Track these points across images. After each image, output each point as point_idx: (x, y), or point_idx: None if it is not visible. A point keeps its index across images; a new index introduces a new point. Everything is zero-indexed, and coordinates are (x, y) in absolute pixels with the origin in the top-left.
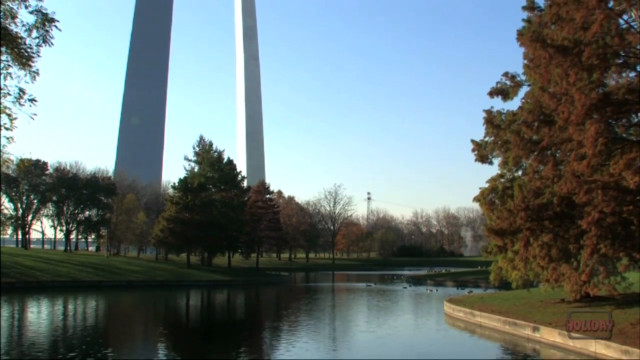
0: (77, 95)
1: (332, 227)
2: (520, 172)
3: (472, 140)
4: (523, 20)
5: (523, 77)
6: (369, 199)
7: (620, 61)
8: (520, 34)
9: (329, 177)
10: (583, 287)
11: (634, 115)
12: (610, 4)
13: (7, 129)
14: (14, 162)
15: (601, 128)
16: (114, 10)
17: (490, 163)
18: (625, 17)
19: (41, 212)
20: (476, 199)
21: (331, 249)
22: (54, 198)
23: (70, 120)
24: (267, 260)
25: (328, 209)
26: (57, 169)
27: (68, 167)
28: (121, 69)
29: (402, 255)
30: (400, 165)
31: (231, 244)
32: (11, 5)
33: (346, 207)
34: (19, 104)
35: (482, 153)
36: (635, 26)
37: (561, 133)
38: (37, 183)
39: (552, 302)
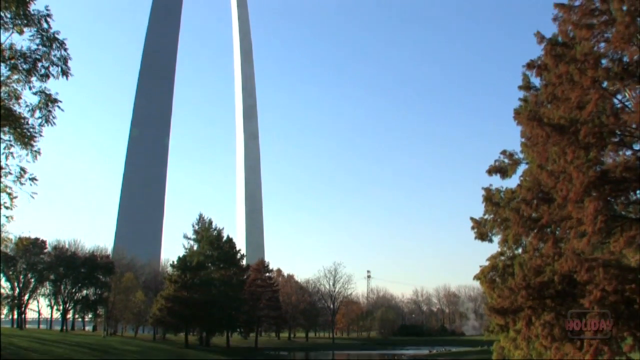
0: (76, 173)
1: (331, 306)
2: (520, 250)
3: (472, 218)
4: (520, 99)
5: (521, 155)
6: (368, 277)
7: (616, 139)
8: (517, 113)
9: (328, 254)
10: None
11: (632, 193)
12: (605, 84)
13: (7, 207)
14: (13, 241)
15: (600, 206)
16: (115, 88)
17: (490, 241)
18: (619, 96)
19: (38, 291)
20: (477, 277)
21: (331, 328)
22: (52, 277)
23: (69, 198)
24: (267, 340)
25: (327, 287)
26: (55, 248)
27: (67, 246)
28: (121, 147)
29: (403, 334)
30: (400, 243)
31: (230, 323)
32: (15, 87)
33: (346, 286)
34: (20, 182)
35: (482, 231)
36: (630, 105)
37: (560, 211)
38: (35, 262)
39: None
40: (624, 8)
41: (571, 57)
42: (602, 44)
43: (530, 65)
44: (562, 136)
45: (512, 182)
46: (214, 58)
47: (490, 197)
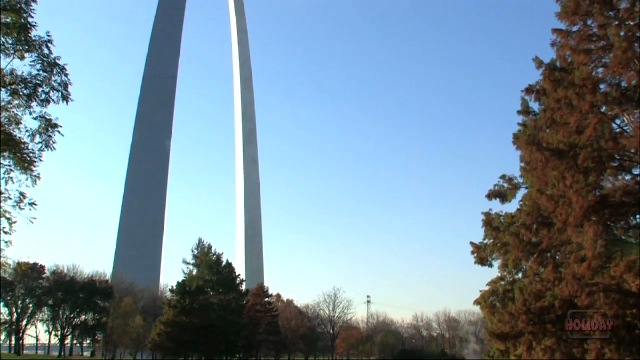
0: (76, 197)
1: (331, 331)
2: (520, 275)
3: (472, 243)
4: (519, 123)
5: (520, 179)
6: (368, 301)
7: (615, 164)
8: (517, 137)
9: (328, 279)
10: None
11: (632, 217)
12: (604, 108)
13: (5, 232)
14: (12, 266)
15: (600, 230)
16: (115, 113)
17: (490, 265)
18: (618, 121)
19: (36, 316)
20: (477, 302)
21: (331, 353)
22: (50, 301)
23: (69, 222)
24: None
25: (327, 312)
26: (54, 272)
27: (65, 270)
28: (121, 171)
29: (403, 359)
30: (400, 267)
31: (229, 348)
32: (16, 111)
33: (346, 310)
34: (19, 207)
35: (482, 255)
36: (629, 130)
37: (560, 235)
38: (34, 286)
39: None
40: (622, 33)
41: (570, 81)
42: (601, 69)
43: (529, 90)
44: (562, 160)
45: (512, 206)
46: (214, 84)
47: (490, 221)
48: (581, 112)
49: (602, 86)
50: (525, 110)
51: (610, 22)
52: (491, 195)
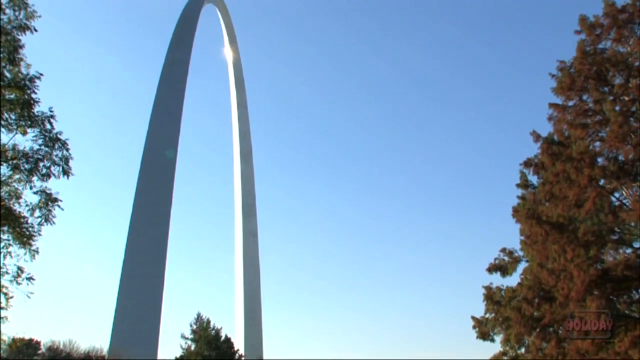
0: (73, 271)
1: None
2: (523, 350)
3: (473, 317)
4: (518, 197)
5: (521, 253)
6: None
7: (615, 237)
8: (516, 211)
9: (330, 353)
10: None
11: (634, 292)
12: (601, 182)
13: (1, 308)
14: (7, 342)
15: (602, 305)
16: (115, 186)
17: (492, 340)
18: (616, 194)
19: None
20: None
21: None
22: None
23: (66, 297)
24: None
25: None
26: (49, 348)
27: (61, 346)
28: (120, 246)
29: None
30: (401, 343)
31: None
32: (16, 186)
33: None
34: (17, 282)
35: (483, 330)
36: (628, 203)
37: (562, 310)
38: None
39: None
40: (617, 108)
41: (567, 155)
42: (597, 143)
43: (527, 164)
44: (561, 234)
45: (513, 280)
46: (214, 157)
47: (491, 296)
48: (579, 185)
49: (600, 160)
50: (524, 183)
51: (605, 97)
52: (491, 269)
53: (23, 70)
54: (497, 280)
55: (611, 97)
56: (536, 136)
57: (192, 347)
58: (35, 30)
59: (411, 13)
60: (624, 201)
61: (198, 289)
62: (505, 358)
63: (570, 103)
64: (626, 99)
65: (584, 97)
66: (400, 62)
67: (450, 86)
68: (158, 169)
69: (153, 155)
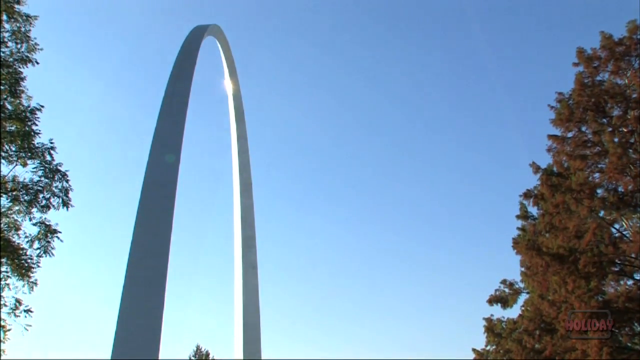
0: (71, 302)
1: None
2: None
3: (474, 349)
4: (518, 228)
5: (521, 284)
6: None
7: (616, 269)
8: (516, 242)
9: None
10: None
11: (636, 324)
12: (602, 213)
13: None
14: None
15: (604, 337)
16: (114, 219)
17: None
18: (617, 225)
19: None
20: None
21: None
22: None
23: (64, 329)
24: None
25: None
26: None
27: None
28: (119, 276)
29: None
30: None
31: None
32: (16, 218)
33: None
34: (14, 314)
35: None
36: (628, 235)
37: (564, 342)
38: None
39: None
40: (615, 140)
41: (567, 187)
42: (597, 174)
43: (527, 195)
44: (562, 265)
45: (514, 311)
46: (213, 189)
47: (492, 328)
48: (579, 217)
49: (599, 191)
50: (524, 215)
51: (603, 129)
52: (492, 300)
53: (24, 102)
54: (497, 312)
55: (610, 129)
56: (535, 167)
57: None
58: (37, 63)
59: (409, 45)
60: (624, 232)
61: (197, 320)
62: None
63: (569, 134)
64: (625, 130)
65: (583, 129)
66: (401, 97)
67: (449, 119)
68: (157, 201)
69: (152, 187)
